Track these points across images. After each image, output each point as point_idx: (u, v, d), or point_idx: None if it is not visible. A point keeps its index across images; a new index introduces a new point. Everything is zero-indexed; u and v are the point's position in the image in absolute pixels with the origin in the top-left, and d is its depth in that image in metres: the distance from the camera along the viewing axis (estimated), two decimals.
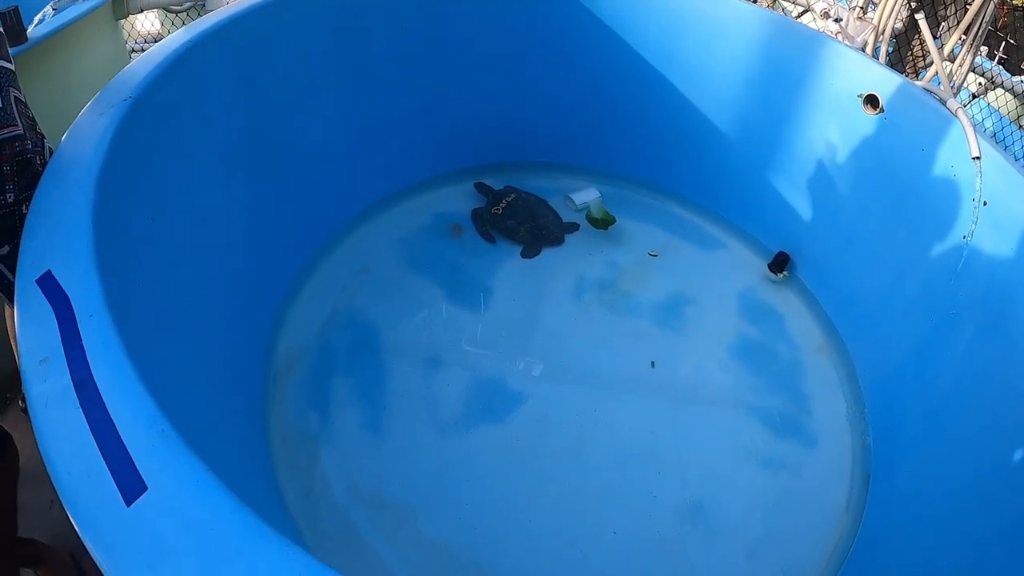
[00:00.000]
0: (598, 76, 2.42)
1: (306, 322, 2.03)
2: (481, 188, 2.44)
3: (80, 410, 0.83)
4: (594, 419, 1.90)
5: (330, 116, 2.18)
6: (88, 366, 0.87)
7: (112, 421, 0.81)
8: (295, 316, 2.03)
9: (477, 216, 2.36)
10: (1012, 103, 2.72)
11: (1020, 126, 2.68)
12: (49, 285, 0.99)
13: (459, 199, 2.45)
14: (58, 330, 0.93)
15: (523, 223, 2.30)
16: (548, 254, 2.31)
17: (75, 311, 0.94)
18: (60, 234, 1.10)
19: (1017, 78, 2.65)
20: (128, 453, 0.78)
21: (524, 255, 2.28)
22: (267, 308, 1.98)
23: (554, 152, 2.58)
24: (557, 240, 2.33)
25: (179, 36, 1.72)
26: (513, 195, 2.37)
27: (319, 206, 2.20)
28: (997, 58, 2.72)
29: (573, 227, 2.39)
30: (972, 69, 2.40)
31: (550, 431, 1.86)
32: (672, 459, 1.84)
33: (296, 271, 2.11)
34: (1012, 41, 2.78)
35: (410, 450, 1.79)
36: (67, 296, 0.96)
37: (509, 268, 2.25)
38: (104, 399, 0.83)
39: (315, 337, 1.99)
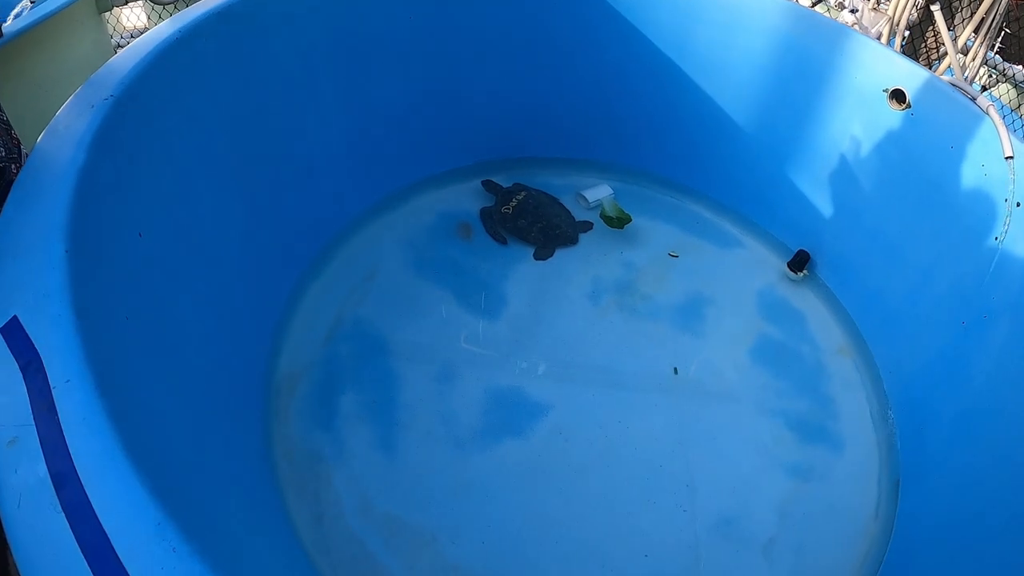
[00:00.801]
0: (610, 68, 2.21)
1: (309, 333, 1.82)
2: (489, 186, 2.23)
3: (63, 515, 0.60)
4: (618, 429, 1.74)
5: (329, 112, 1.95)
6: (68, 452, 0.64)
7: (105, 534, 0.58)
8: (297, 327, 1.83)
9: (486, 216, 2.14)
10: (1011, 91, 2.58)
11: (1021, 115, 2.53)
12: (16, 336, 0.76)
13: (466, 197, 2.23)
14: (28, 400, 0.69)
15: (535, 223, 2.09)
16: (562, 255, 2.11)
17: (48, 374, 0.70)
18: (29, 268, 0.86)
19: (1018, 67, 2.50)
20: None
21: (537, 257, 2.08)
22: (268, 320, 1.77)
23: (563, 147, 2.38)
24: (571, 240, 2.13)
25: (165, 28, 1.49)
26: (523, 193, 2.16)
27: (319, 208, 1.97)
28: (996, 48, 2.57)
29: (587, 226, 2.20)
30: (985, 62, 2.23)
31: (574, 443, 1.70)
32: (701, 469, 1.70)
33: (297, 279, 1.90)
34: (1008, 30, 2.62)
35: (427, 468, 1.61)
36: (38, 352, 0.72)
37: (522, 270, 2.06)
38: (91, 501, 0.60)
39: (319, 349, 1.80)
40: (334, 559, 1.45)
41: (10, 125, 1.22)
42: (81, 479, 0.62)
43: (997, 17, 2.07)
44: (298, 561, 1.44)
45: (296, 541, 1.47)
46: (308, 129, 1.90)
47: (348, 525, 1.50)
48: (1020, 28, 2.69)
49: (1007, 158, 1.67)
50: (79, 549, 0.58)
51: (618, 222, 2.15)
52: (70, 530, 0.59)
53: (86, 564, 0.57)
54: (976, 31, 2.23)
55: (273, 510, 1.49)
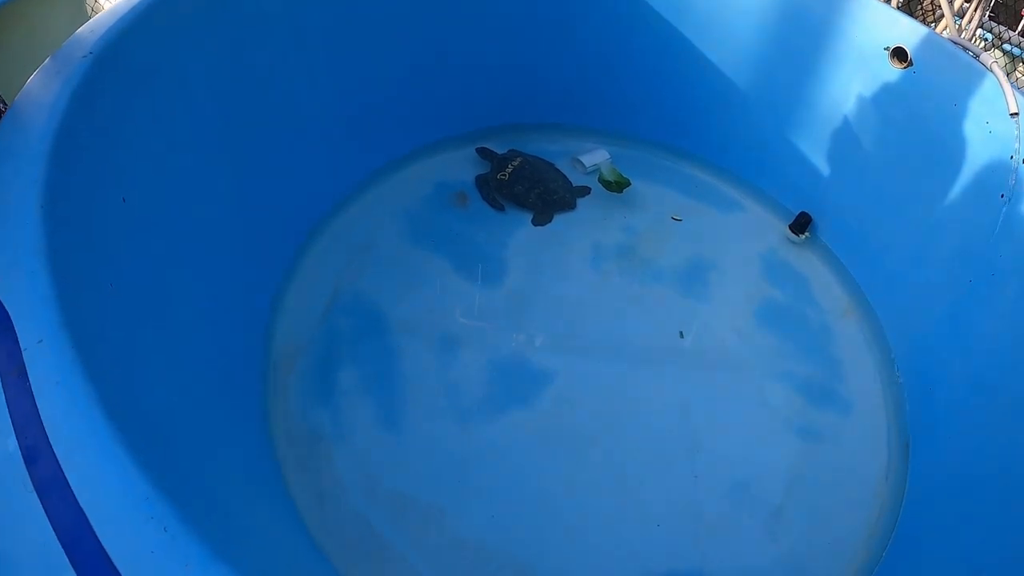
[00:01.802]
0: (607, 30, 2.10)
1: (305, 308, 1.71)
2: (484, 153, 2.12)
3: (35, 495, 0.50)
4: (625, 396, 1.66)
5: (321, 80, 1.82)
6: (41, 423, 0.53)
7: (85, 516, 0.48)
8: (293, 302, 1.71)
9: (483, 183, 2.03)
10: (1002, 59, 2.52)
11: (1014, 80, 2.47)
12: None
13: (461, 166, 2.12)
14: None
15: (533, 188, 1.99)
16: (561, 221, 2.02)
17: (18, 335, 0.59)
18: (1, 226, 0.74)
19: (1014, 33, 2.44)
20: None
21: (535, 223, 1.98)
22: (262, 295, 1.65)
23: (557, 112, 2.27)
24: (569, 205, 2.04)
25: None
26: (519, 159, 2.05)
27: (312, 179, 1.86)
28: (988, 15, 2.50)
29: (584, 191, 2.10)
30: (981, 24, 2.16)
31: (580, 412, 1.62)
32: (709, 435, 1.62)
33: (291, 252, 1.78)
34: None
35: (431, 442, 1.52)
36: (7, 312, 0.61)
37: (520, 237, 1.96)
38: (68, 479, 0.50)
39: (317, 324, 1.69)
40: (339, 539, 1.36)
41: None
42: (55, 451, 0.52)
43: None
44: (301, 542, 1.35)
45: (299, 522, 1.38)
46: (300, 97, 1.76)
47: (352, 504, 1.41)
48: None
49: (1012, 115, 1.60)
50: (53, 533, 0.48)
51: (617, 186, 2.05)
52: (43, 511, 0.49)
53: (61, 550, 0.47)
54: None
55: (274, 490, 1.40)
